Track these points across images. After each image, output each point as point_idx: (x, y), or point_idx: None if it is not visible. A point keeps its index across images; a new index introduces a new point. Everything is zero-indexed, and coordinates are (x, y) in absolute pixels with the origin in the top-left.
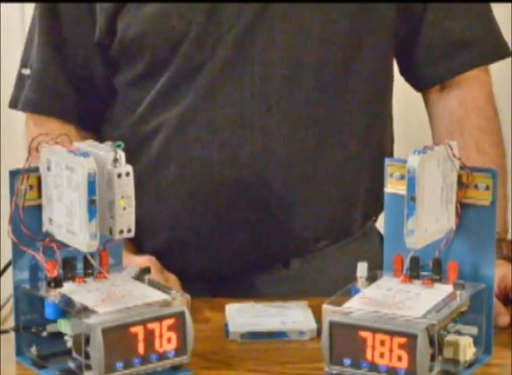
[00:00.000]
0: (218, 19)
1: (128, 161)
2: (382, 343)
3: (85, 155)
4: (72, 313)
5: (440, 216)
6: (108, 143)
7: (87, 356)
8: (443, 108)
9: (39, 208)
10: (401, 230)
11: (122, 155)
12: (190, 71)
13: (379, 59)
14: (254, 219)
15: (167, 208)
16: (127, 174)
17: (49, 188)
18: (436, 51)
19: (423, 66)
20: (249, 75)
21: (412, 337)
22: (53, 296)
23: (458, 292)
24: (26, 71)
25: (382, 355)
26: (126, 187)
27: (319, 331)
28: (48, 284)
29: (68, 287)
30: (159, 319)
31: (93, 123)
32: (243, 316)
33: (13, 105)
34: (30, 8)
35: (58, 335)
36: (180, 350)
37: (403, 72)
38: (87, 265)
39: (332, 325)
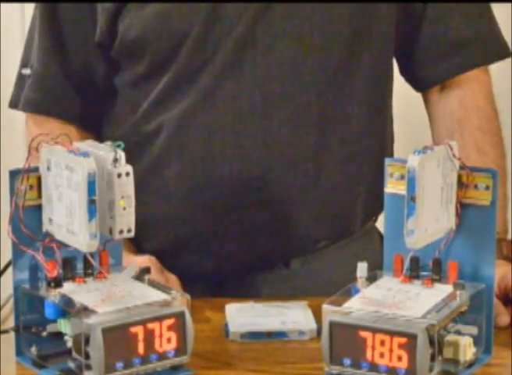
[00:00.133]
0: (220, 20)
1: (129, 161)
2: (382, 343)
3: (85, 155)
4: (72, 313)
5: (440, 215)
6: (108, 143)
7: (87, 356)
8: (443, 108)
9: (39, 208)
10: (401, 230)
11: (122, 155)
12: (191, 71)
13: (380, 60)
14: (255, 218)
15: (167, 207)
16: (127, 174)
17: (49, 188)
18: (436, 52)
19: (423, 66)
20: (250, 75)
21: (412, 337)
22: (53, 296)
23: (458, 292)
24: (27, 71)
25: (382, 355)
26: (125, 187)
27: (319, 331)
28: (48, 284)
29: (68, 287)
30: (159, 319)
31: (93, 123)
32: (243, 316)
33: (13, 104)
34: (30, 8)
35: (58, 335)
36: (180, 350)
37: (403, 72)
38: (87, 265)
39: (332, 325)
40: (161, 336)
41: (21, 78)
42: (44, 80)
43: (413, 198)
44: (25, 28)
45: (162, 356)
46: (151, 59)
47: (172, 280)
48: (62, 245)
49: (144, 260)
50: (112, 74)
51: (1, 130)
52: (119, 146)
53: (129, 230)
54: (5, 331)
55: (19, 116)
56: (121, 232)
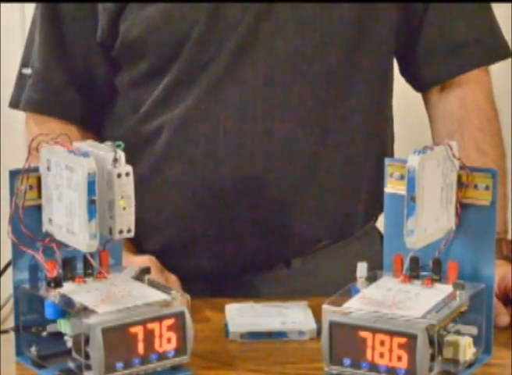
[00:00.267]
0: (222, 20)
1: (129, 161)
2: (382, 343)
3: (85, 155)
4: (72, 313)
5: (440, 215)
6: (108, 143)
7: (87, 356)
8: (443, 108)
9: (39, 208)
10: (401, 230)
11: (121, 155)
12: (192, 71)
13: (380, 60)
14: (256, 218)
15: (168, 207)
16: (127, 174)
17: (49, 188)
18: (437, 52)
19: (423, 66)
20: (252, 75)
21: (412, 337)
22: (53, 296)
23: (458, 292)
24: (27, 70)
25: (381, 355)
26: (125, 187)
27: (319, 331)
28: (48, 284)
29: (68, 287)
30: (159, 319)
31: (94, 124)
32: (243, 316)
33: (14, 104)
34: (30, 8)
35: (58, 335)
36: (180, 350)
37: (403, 72)
38: (87, 265)
39: (332, 325)
40: (161, 336)
41: (21, 78)
42: (45, 80)
43: (413, 198)
44: (25, 28)
45: (162, 356)
46: (153, 60)
47: (172, 280)
48: (62, 245)
49: (144, 260)
50: (113, 74)
51: (1, 130)
52: (118, 146)
53: (129, 230)
54: (5, 331)
55: (19, 116)
56: (121, 232)
